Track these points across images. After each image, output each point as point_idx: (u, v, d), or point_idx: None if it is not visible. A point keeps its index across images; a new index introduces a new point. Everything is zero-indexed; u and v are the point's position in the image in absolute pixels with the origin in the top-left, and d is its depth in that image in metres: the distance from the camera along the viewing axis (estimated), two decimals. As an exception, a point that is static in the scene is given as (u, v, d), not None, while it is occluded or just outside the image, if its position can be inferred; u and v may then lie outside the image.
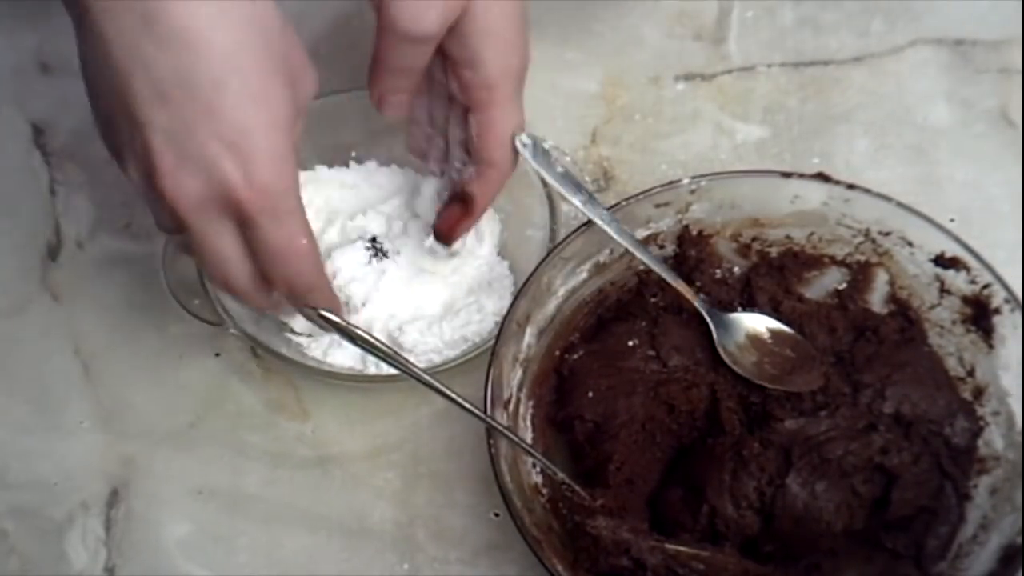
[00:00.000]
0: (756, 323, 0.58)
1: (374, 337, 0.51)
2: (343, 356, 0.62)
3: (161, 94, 0.44)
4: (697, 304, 0.57)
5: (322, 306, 0.52)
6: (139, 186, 0.47)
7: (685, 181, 0.58)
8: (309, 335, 0.62)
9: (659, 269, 0.57)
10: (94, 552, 0.61)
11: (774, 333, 0.58)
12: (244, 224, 0.47)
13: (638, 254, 0.56)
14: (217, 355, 0.65)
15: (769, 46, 0.73)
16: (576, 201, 0.56)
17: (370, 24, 0.58)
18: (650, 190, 0.58)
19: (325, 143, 0.65)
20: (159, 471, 0.63)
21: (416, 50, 0.52)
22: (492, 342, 0.55)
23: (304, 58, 0.49)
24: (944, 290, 0.57)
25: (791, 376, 0.56)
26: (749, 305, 0.60)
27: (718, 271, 0.61)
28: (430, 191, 0.61)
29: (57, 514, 0.62)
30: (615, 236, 0.56)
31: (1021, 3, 0.72)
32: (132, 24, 0.43)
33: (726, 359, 0.57)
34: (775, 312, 0.59)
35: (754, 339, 0.58)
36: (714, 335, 0.57)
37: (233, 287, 0.49)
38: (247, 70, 0.45)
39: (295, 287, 0.50)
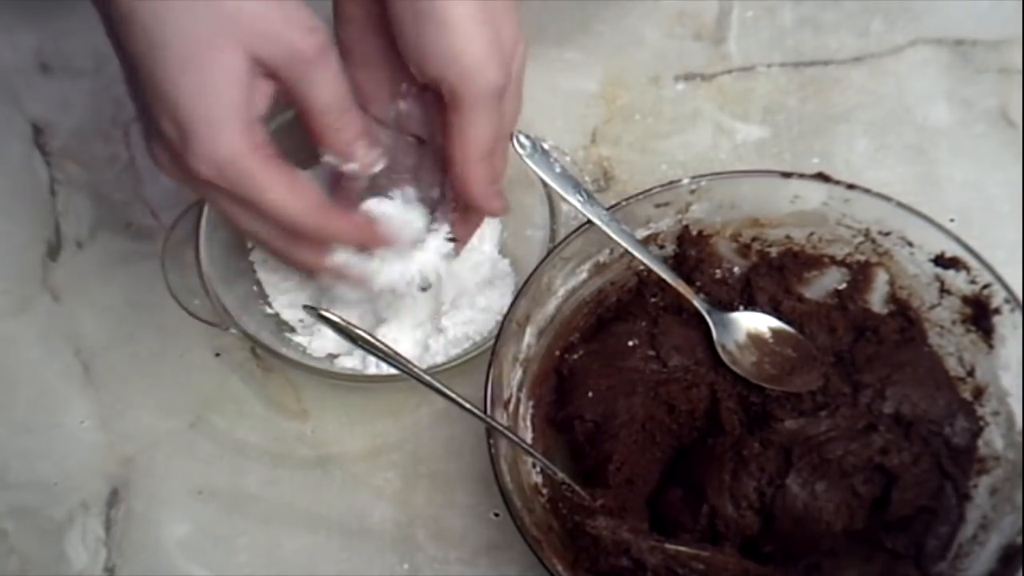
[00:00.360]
0: (758, 322, 0.58)
1: (374, 337, 0.51)
2: (344, 356, 0.62)
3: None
4: (696, 303, 0.57)
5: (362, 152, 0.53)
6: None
7: (685, 181, 0.58)
8: (309, 335, 0.62)
9: (657, 268, 0.57)
10: (94, 552, 0.61)
11: (775, 332, 0.58)
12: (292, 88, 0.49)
13: (636, 253, 0.56)
14: (217, 355, 0.65)
15: (769, 46, 0.73)
16: (574, 201, 0.56)
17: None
18: (650, 190, 0.58)
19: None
20: (159, 471, 0.63)
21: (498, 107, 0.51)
22: (492, 341, 0.55)
23: None
24: (944, 290, 0.57)
25: (791, 376, 0.56)
26: (749, 305, 0.60)
27: (718, 271, 0.61)
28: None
29: (57, 514, 0.62)
30: (613, 236, 0.56)
31: (1021, 3, 0.72)
32: None
33: (725, 359, 0.57)
34: (775, 312, 0.59)
35: (755, 338, 0.58)
36: (714, 334, 0.57)
37: (296, 223, 0.51)
38: None
39: (344, 141, 0.52)
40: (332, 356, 0.62)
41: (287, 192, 0.50)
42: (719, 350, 0.57)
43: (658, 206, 0.59)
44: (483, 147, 0.52)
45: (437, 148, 0.55)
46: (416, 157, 0.57)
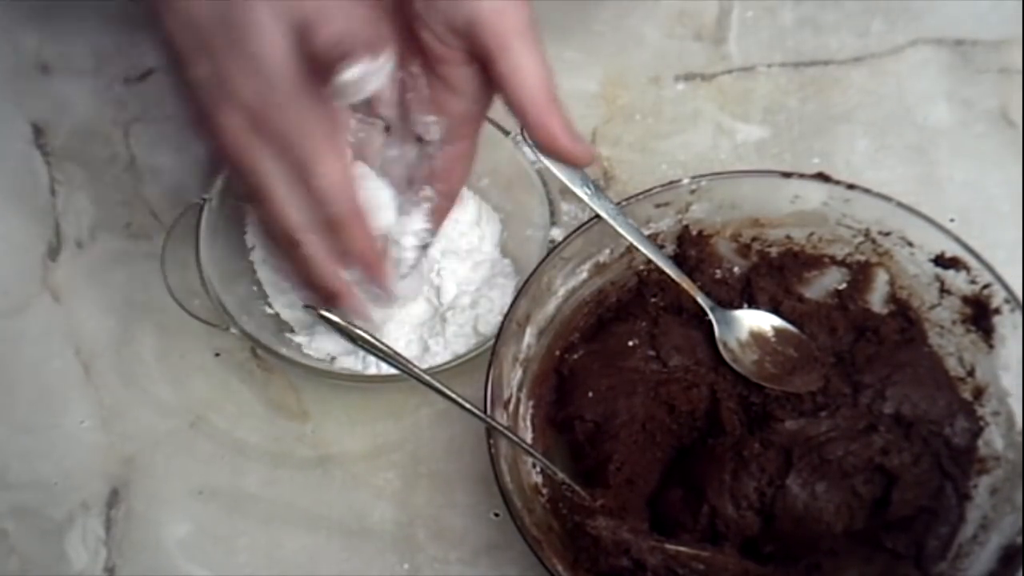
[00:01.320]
0: (761, 320, 0.58)
1: (374, 337, 0.51)
2: (344, 356, 0.62)
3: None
4: (700, 299, 0.57)
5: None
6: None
7: (685, 181, 0.58)
8: (309, 336, 0.62)
9: (661, 262, 0.56)
10: (94, 552, 0.61)
11: (778, 331, 0.58)
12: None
13: (643, 248, 0.56)
14: (217, 355, 0.65)
15: (769, 46, 0.73)
16: (582, 194, 0.55)
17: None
18: (650, 190, 0.58)
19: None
20: (159, 471, 0.63)
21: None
22: (492, 341, 0.55)
23: None
24: (944, 290, 0.57)
25: (791, 376, 0.56)
26: (750, 305, 0.60)
27: (718, 271, 0.61)
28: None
29: (57, 514, 0.62)
30: (620, 230, 0.55)
31: (1021, 3, 0.72)
32: None
33: (726, 356, 0.57)
34: (775, 312, 0.59)
35: (757, 337, 0.58)
36: (716, 331, 0.57)
37: (333, 201, 0.50)
38: None
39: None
40: (332, 356, 0.62)
41: (336, 162, 0.50)
42: (720, 347, 0.57)
43: (658, 206, 0.59)
44: (548, 84, 0.50)
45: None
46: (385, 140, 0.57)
